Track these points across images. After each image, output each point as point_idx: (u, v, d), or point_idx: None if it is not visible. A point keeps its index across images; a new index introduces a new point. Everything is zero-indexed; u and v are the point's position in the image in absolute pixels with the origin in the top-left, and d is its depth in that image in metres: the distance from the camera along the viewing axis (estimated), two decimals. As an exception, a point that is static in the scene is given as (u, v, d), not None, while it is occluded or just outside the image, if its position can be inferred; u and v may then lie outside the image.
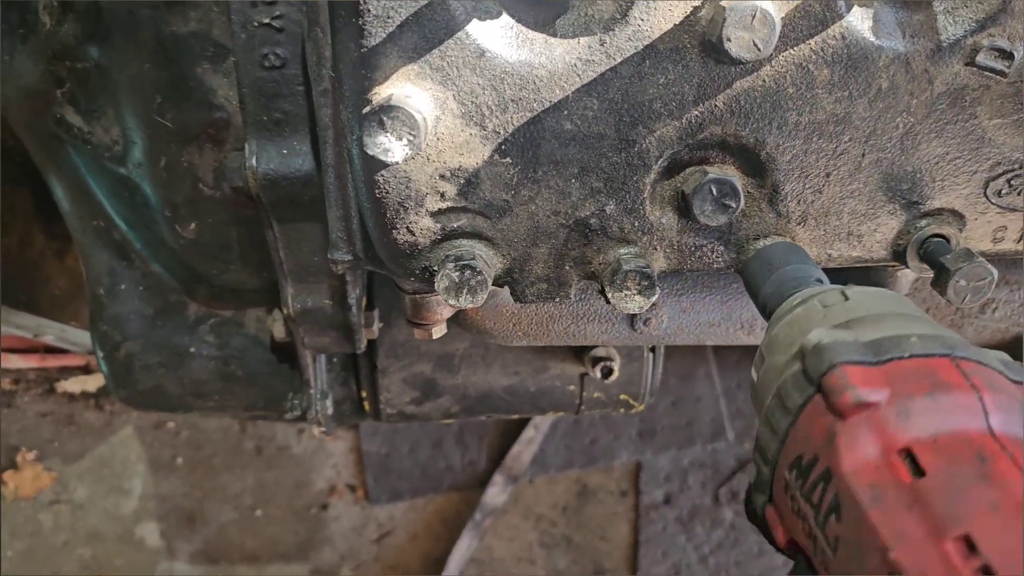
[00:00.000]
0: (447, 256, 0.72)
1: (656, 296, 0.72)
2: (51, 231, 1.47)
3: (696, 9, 0.63)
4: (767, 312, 0.68)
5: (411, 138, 0.63)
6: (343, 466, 2.17)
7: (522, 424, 2.13)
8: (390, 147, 0.63)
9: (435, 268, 0.73)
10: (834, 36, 0.65)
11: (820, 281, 0.68)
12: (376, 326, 1.13)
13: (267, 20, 0.83)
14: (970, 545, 0.44)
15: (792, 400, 0.55)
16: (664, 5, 0.63)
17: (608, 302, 0.73)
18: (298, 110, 0.86)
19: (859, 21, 0.65)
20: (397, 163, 0.65)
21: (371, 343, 1.17)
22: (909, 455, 0.49)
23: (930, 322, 0.58)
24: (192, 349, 1.18)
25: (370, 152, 0.63)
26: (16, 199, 1.37)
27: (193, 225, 1.03)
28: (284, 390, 1.21)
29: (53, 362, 2.08)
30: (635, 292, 0.72)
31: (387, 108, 0.62)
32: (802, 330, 0.58)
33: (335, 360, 1.22)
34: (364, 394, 1.21)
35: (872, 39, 0.66)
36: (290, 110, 0.86)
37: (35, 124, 1.07)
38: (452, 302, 0.72)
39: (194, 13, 0.91)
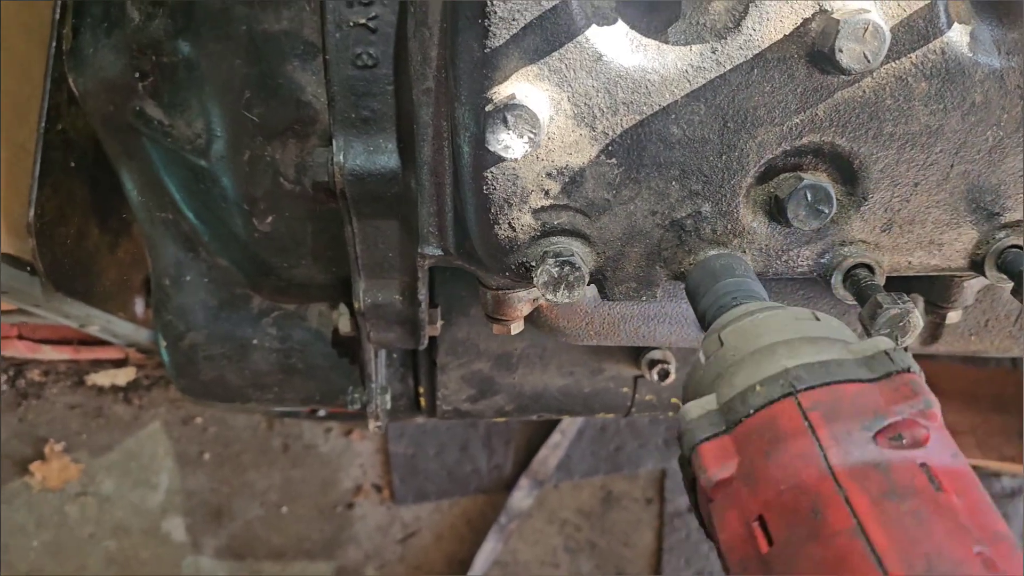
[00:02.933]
0: (546, 252, 0.74)
1: None
2: (105, 224, 1.49)
3: (807, 21, 0.66)
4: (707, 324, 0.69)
5: (532, 136, 0.65)
6: (369, 466, 2.19)
7: (549, 429, 2.16)
8: (511, 144, 0.65)
9: (532, 263, 0.76)
10: (934, 51, 0.68)
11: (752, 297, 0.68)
12: (439, 323, 1.15)
13: (362, 20, 0.85)
14: None
15: (686, 482, 0.57)
16: (776, 16, 0.66)
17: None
18: (386, 109, 0.88)
19: (958, 37, 0.68)
20: (516, 159, 0.67)
21: (432, 340, 1.19)
22: (763, 523, 0.49)
23: (792, 342, 0.56)
24: (255, 341, 1.20)
25: (491, 148, 0.65)
26: (75, 191, 1.39)
27: (270, 219, 1.05)
28: (343, 384, 1.23)
29: (86, 354, 2.10)
30: None
31: (511, 106, 0.64)
32: (689, 396, 0.59)
33: (395, 356, 1.24)
34: (421, 390, 1.23)
35: (969, 55, 0.69)
36: (378, 108, 0.88)
37: (113, 116, 1.09)
38: (549, 297, 0.74)
39: (287, 12, 0.94)
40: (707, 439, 0.53)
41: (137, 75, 1.04)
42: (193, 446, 2.19)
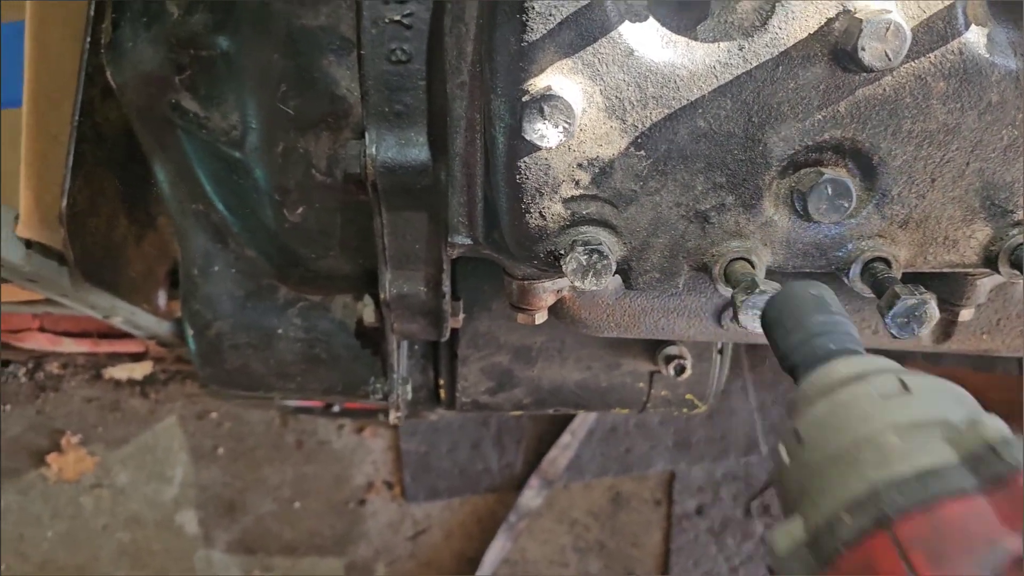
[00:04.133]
0: (575, 241, 0.77)
1: None
2: (132, 216, 1.52)
3: (830, 20, 0.69)
4: (795, 373, 0.60)
5: (567, 126, 0.68)
6: (381, 463, 2.21)
7: (559, 429, 2.18)
8: (546, 133, 0.68)
9: (561, 252, 0.78)
10: (952, 51, 0.71)
11: (847, 347, 0.59)
12: (460, 316, 1.18)
13: (397, 17, 0.89)
14: None
15: None
16: (802, 15, 0.69)
17: (736, 310, 0.76)
18: (418, 103, 0.91)
19: (975, 38, 0.71)
20: (550, 148, 0.70)
21: (453, 333, 1.22)
22: None
23: (879, 441, 0.48)
24: (280, 331, 1.23)
25: (528, 137, 0.68)
26: (105, 183, 1.42)
27: (301, 209, 1.08)
28: (365, 375, 1.25)
29: (105, 347, 2.13)
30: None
31: (548, 97, 0.67)
32: (779, 502, 0.53)
33: (416, 348, 1.27)
34: (441, 382, 1.26)
35: (986, 56, 0.71)
36: (411, 103, 0.91)
37: (149, 109, 1.12)
38: (578, 283, 0.77)
39: (324, 8, 0.97)
40: None
41: (175, 68, 1.07)
42: (207, 441, 2.22)
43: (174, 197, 1.20)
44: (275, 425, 2.22)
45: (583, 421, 2.16)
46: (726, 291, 0.80)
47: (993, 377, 1.91)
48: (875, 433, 0.48)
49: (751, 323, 0.75)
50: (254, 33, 0.99)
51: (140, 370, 2.23)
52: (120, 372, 2.23)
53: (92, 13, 1.32)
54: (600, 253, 0.76)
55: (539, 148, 0.72)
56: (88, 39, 1.33)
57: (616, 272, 0.83)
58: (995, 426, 0.47)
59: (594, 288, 0.77)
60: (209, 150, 1.12)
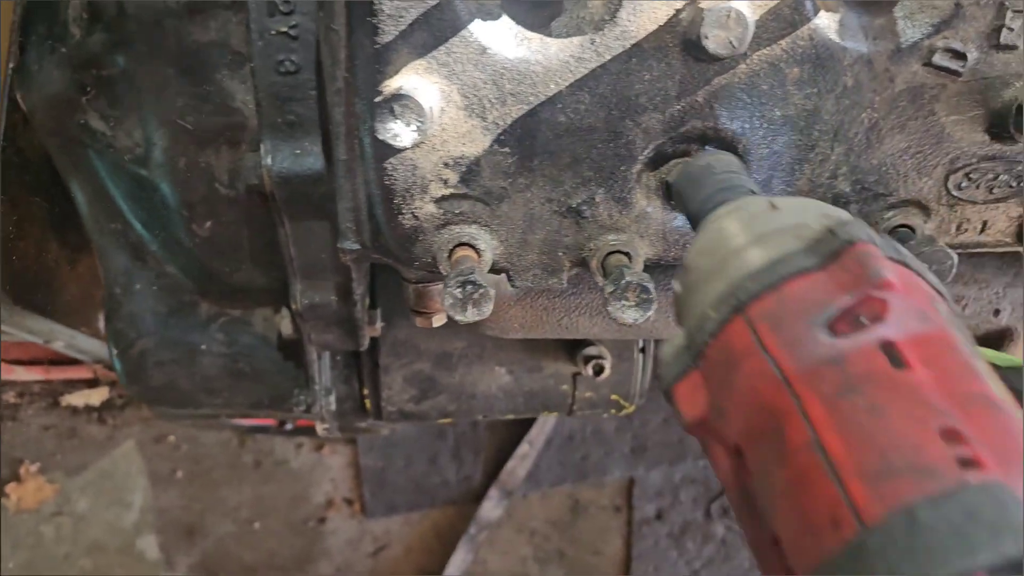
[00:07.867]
0: (453, 274, 0.75)
1: (652, 311, 0.77)
2: (64, 240, 1.53)
3: (678, 11, 0.70)
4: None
5: (419, 124, 0.69)
6: (340, 480, 2.21)
7: (517, 439, 2.18)
8: (399, 132, 0.69)
9: (440, 253, 0.79)
10: (803, 37, 0.72)
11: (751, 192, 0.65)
12: (379, 324, 1.18)
13: (284, 29, 0.90)
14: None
15: None
16: (649, 7, 0.70)
17: (606, 301, 0.76)
18: (310, 113, 0.92)
19: (826, 23, 0.72)
20: (406, 147, 0.71)
21: (374, 342, 1.22)
22: (741, 453, 0.46)
23: (742, 249, 0.52)
24: (203, 347, 1.23)
25: (380, 137, 0.69)
26: (32, 208, 1.43)
27: (208, 224, 1.09)
28: (289, 387, 1.26)
29: (58, 374, 2.12)
30: (633, 304, 0.77)
31: (397, 97, 0.68)
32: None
33: (339, 358, 1.27)
34: (366, 392, 1.26)
35: (838, 40, 0.72)
36: (303, 113, 0.92)
37: (60, 130, 1.13)
38: (461, 318, 0.76)
39: (214, 23, 0.98)
40: (678, 378, 0.50)
41: (80, 89, 1.08)
42: (166, 464, 2.21)
43: (92, 217, 1.20)
44: (232, 446, 2.22)
45: (540, 430, 2.16)
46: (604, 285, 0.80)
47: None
48: (740, 244, 0.52)
49: (620, 314, 0.75)
50: (149, 50, 1.00)
51: (97, 396, 2.23)
52: (77, 399, 2.23)
53: (17, 39, 1.33)
54: (474, 283, 0.75)
55: (401, 149, 0.72)
56: (11, 66, 1.33)
57: (499, 271, 0.83)
58: (839, 215, 0.51)
59: (477, 319, 0.77)
60: (119, 169, 1.13)
